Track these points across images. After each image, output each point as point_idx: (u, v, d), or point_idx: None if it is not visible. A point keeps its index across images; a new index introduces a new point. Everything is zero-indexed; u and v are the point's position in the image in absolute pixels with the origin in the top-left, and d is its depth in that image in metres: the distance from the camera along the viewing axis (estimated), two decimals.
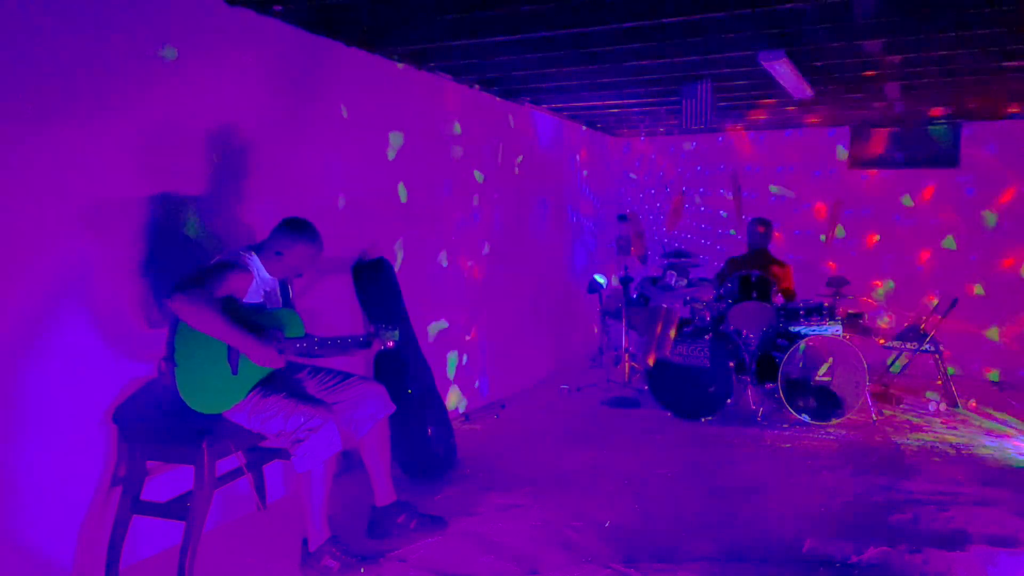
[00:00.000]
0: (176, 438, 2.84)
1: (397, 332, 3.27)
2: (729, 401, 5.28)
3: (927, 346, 5.90)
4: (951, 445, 4.83)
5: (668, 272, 6.03)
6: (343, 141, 4.21)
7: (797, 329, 5.40)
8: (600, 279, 6.75)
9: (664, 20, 3.72)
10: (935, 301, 6.03)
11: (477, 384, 5.74)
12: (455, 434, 4.45)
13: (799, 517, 3.64)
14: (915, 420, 5.44)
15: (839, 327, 5.36)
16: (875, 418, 5.38)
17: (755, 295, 5.55)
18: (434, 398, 4.36)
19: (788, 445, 4.83)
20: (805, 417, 5.21)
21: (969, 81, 5.12)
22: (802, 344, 5.22)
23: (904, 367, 6.22)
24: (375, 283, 4.32)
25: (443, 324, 5.26)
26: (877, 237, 7.31)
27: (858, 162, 7.34)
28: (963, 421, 5.43)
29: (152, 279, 3.07)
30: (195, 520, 2.78)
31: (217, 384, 2.84)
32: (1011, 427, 5.28)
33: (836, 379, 5.35)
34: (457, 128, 5.33)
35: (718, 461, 4.51)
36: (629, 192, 8.49)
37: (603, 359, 7.03)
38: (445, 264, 5.26)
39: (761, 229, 6.21)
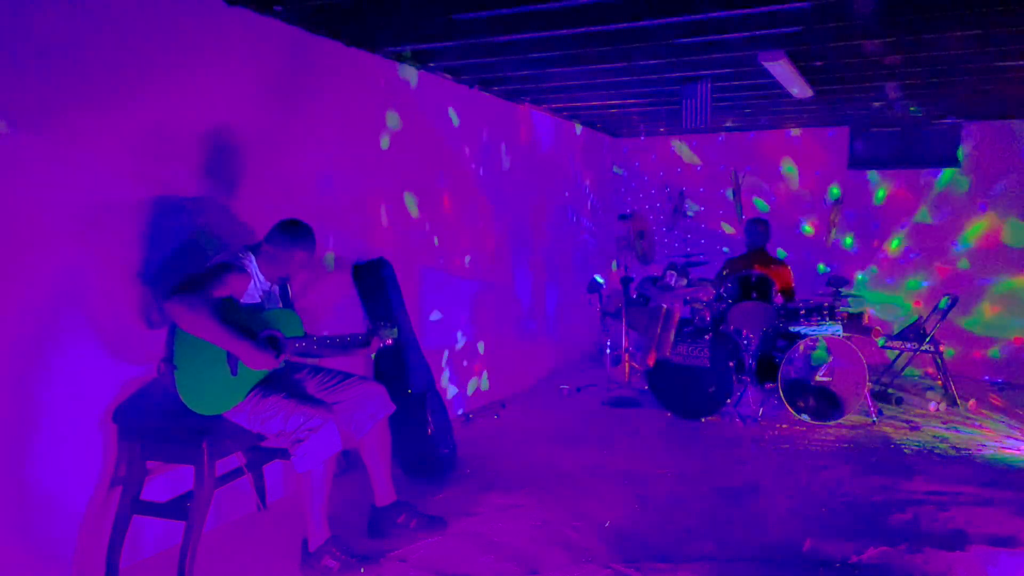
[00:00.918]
0: (176, 438, 2.84)
1: (396, 329, 3.28)
2: (729, 401, 5.28)
3: (927, 346, 5.90)
4: (951, 445, 4.83)
5: (668, 272, 6.03)
6: (343, 141, 4.21)
7: (797, 329, 5.40)
8: (600, 279, 6.75)
9: (664, 20, 3.71)
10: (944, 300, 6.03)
11: (477, 384, 5.74)
12: (455, 434, 4.45)
13: (799, 517, 3.64)
14: (915, 420, 5.44)
15: (839, 327, 5.36)
16: (875, 418, 5.38)
17: (755, 295, 5.55)
18: (434, 398, 4.36)
19: (788, 445, 4.83)
20: (805, 417, 5.21)
21: (969, 81, 5.12)
22: (801, 345, 5.22)
23: (904, 367, 6.22)
24: (375, 283, 4.32)
25: (443, 324, 5.26)
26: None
27: (858, 162, 7.35)
28: (963, 421, 5.43)
29: (151, 280, 3.07)
30: (195, 520, 2.78)
31: (216, 386, 2.84)
32: (1011, 427, 5.28)
33: (836, 379, 5.35)
34: (458, 128, 5.33)
35: (718, 461, 4.50)
36: (629, 192, 8.49)
37: (603, 359, 7.03)
38: (445, 263, 5.26)
39: (760, 229, 6.21)
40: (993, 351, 6.91)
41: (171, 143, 3.15)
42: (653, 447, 4.78)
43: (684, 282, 5.98)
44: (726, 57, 4.47)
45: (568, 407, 5.85)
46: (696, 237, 8.15)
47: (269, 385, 2.97)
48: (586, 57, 4.52)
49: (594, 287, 6.69)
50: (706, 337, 5.37)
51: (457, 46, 4.26)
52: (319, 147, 4.02)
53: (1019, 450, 4.73)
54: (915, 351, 5.98)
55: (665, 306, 5.99)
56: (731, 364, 5.25)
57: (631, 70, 4.88)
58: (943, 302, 6.05)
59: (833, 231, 7.41)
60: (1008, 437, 5.02)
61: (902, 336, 6.19)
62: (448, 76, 5.09)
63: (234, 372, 2.87)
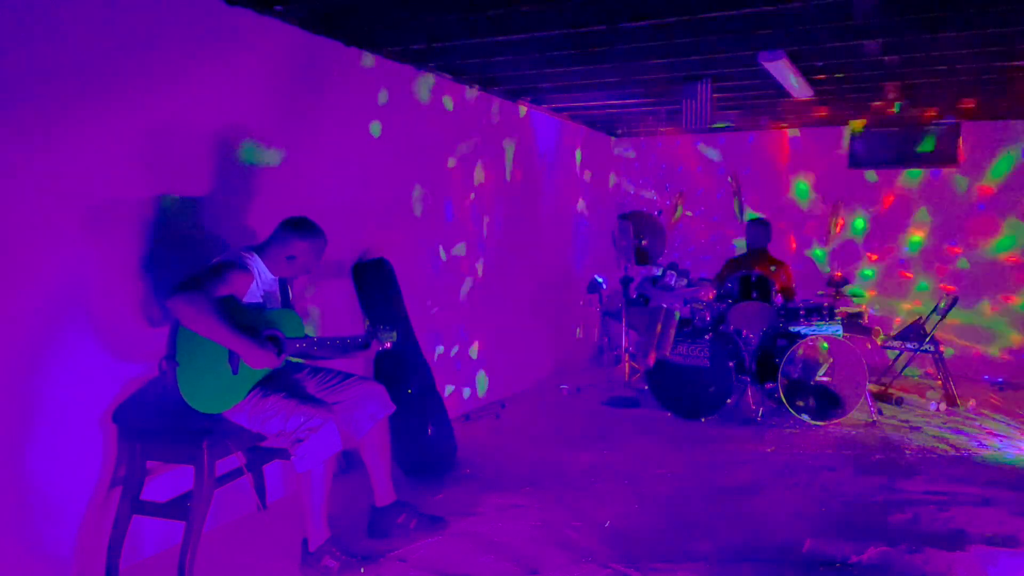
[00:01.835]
0: (176, 438, 2.84)
1: (395, 333, 3.28)
2: (729, 401, 5.28)
3: (927, 346, 5.90)
4: (951, 445, 4.83)
5: (668, 272, 6.04)
6: (343, 141, 4.21)
7: (797, 329, 5.40)
8: (600, 279, 6.75)
9: (664, 20, 3.72)
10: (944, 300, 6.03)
11: (477, 384, 5.74)
12: (455, 434, 4.45)
13: (799, 517, 3.64)
14: (915, 420, 5.44)
15: (839, 327, 5.36)
16: (875, 418, 5.38)
17: (755, 295, 5.55)
18: (434, 398, 4.36)
19: (788, 445, 4.82)
20: (805, 417, 5.21)
21: (969, 81, 5.12)
22: (801, 348, 5.22)
23: (904, 367, 6.22)
24: (375, 283, 4.32)
25: (443, 324, 5.26)
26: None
27: (858, 162, 7.35)
28: (963, 421, 5.43)
29: (153, 278, 3.07)
30: (195, 520, 2.78)
31: (217, 384, 2.84)
32: (1011, 427, 5.28)
33: (836, 379, 5.35)
34: (458, 128, 5.33)
35: (718, 461, 4.50)
36: (629, 192, 8.49)
37: (603, 359, 7.03)
38: (445, 264, 5.26)
39: (760, 229, 6.21)
40: (992, 349, 6.92)
41: (171, 143, 3.15)
42: (653, 447, 4.78)
43: (684, 282, 5.98)
44: (726, 57, 4.47)
45: (568, 407, 5.85)
46: (696, 237, 8.15)
47: (269, 385, 2.97)
48: (586, 57, 4.52)
49: (594, 287, 6.70)
50: (706, 337, 5.37)
51: (457, 46, 4.26)
52: (319, 146, 4.02)
53: (1019, 450, 4.73)
54: (915, 351, 5.98)
55: (665, 306, 5.99)
56: (731, 364, 5.25)
57: (631, 70, 4.88)
58: (943, 302, 6.05)
59: (833, 232, 7.41)
60: (1008, 437, 5.02)
61: (902, 336, 6.19)
62: (448, 76, 5.09)
63: (235, 371, 2.87)
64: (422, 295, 4.98)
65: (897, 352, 6.19)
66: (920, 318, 6.26)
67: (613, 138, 8.34)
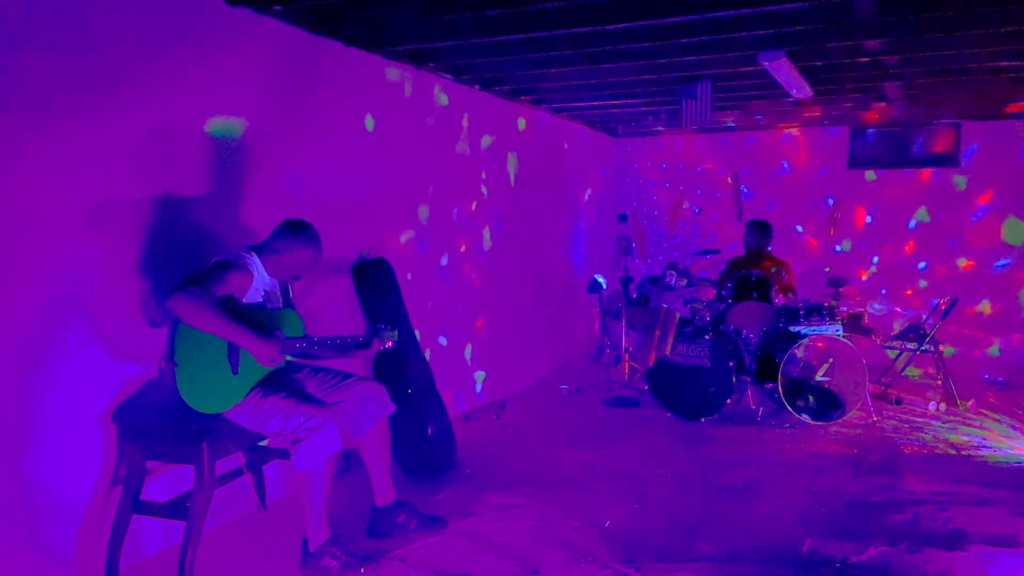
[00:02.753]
0: (176, 438, 2.84)
1: (396, 332, 3.27)
2: (729, 401, 5.28)
3: (927, 346, 5.90)
4: (951, 445, 4.83)
5: (668, 272, 6.03)
6: (343, 141, 4.21)
7: (797, 329, 5.40)
8: (600, 279, 6.75)
9: (664, 20, 3.72)
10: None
11: (477, 384, 5.74)
12: (455, 434, 4.45)
13: (799, 517, 3.64)
14: (915, 420, 5.44)
15: (839, 327, 5.36)
16: (875, 418, 5.38)
17: (755, 295, 5.55)
18: (434, 398, 4.36)
19: (788, 445, 4.83)
20: (805, 417, 5.20)
21: (969, 81, 5.12)
22: (801, 348, 5.21)
23: (904, 367, 6.22)
24: (375, 283, 4.32)
25: (443, 324, 5.26)
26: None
27: (858, 162, 7.35)
28: (963, 421, 5.43)
29: (152, 279, 3.07)
30: (195, 520, 2.78)
31: (217, 384, 2.84)
32: (1011, 427, 5.28)
33: (836, 379, 5.34)
34: (458, 128, 5.33)
35: (718, 461, 4.50)
36: (629, 192, 8.49)
37: (603, 359, 7.03)
38: (445, 264, 5.26)
39: (761, 229, 6.21)
40: (992, 348, 6.92)
41: (172, 142, 3.15)
42: (653, 447, 4.78)
43: (684, 282, 5.98)
44: (726, 57, 4.47)
45: (568, 407, 5.85)
46: (696, 237, 8.15)
47: (269, 385, 2.97)
48: (586, 57, 4.52)
49: (594, 287, 6.69)
50: (706, 337, 5.37)
51: (457, 46, 4.26)
52: (319, 146, 4.02)
53: (1019, 450, 4.73)
54: (915, 351, 5.98)
55: (665, 306, 5.99)
56: (731, 364, 5.25)
57: (631, 70, 4.88)
58: (943, 302, 6.05)
59: (833, 232, 7.41)
60: (1008, 437, 5.02)
61: (902, 336, 6.20)
62: (448, 76, 5.09)
63: (235, 371, 2.87)
64: (422, 295, 4.98)
65: (897, 352, 6.19)
66: (920, 318, 6.26)
67: (613, 138, 8.34)
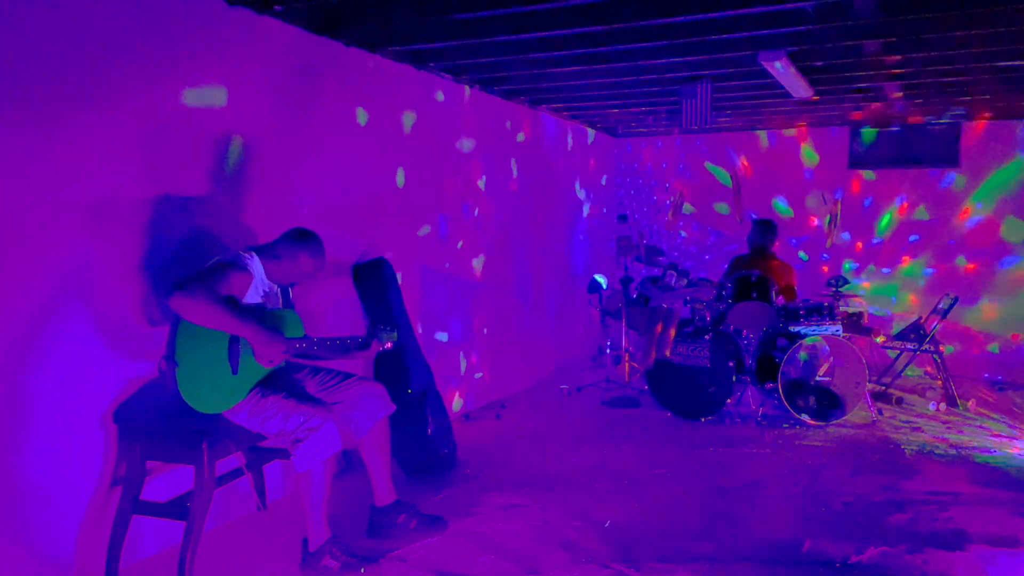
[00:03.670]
0: (176, 438, 2.84)
1: (396, 333, 3.27)
2: (729, 401, 5.28)
3: (927, 346, 5.90)
4: (951, 445, 4.83)
5: (668, 272, 6.03)
6: (343, 141, 4.21)
7: (797, 329, 5.40)
8: (600, 279, 6.75)
9: (664, 20, 3.71)
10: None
11: (477, 384, 5.74)
12: (455, 434, 4.45)
13: (799, 517, 3.64)
14: (915, 420, 5.44)
15: (839, 327, 5.36)
16: (875, 418, 5.38)
17: (755, 295, 5.55)
18: (434, 398, 4.36)
19: (788, 445, 4.82)
20: (805, 417, 5.21)
21: (969, 81, 5.12)
22: (802, 350, 5.21)
23: (904, 367, 6.22)
24: (375, 283, 4.32)
25: (443, 324, 5.26)
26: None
27: (858, 162, 7.35)
28: (963, 421, 5.43)
29: (153, 278, 3.07)
30: (195, 520, 2.78)
31: (217, 384, 2.84)
32: (1011, 427, 5.28)
33: (836, 379, 5.35)
34: (458, 128, 5.33)
35: (718, 461, 4.51)
36: (629, 192, 8.49)
37: (603, 359, 7.03)
38: (446, 264, 5.26)
39: (764, 229, 6.20)
40: (992, 347, 6.92)
41: (172, 142, 3.15)
42: (653, 447, 4.78)
43: (684, 282, 5.98)
44: (726, 57, 4.47)
45: (568, 407, 5.85)
46: (696, 237, 8.15)
47: (269, 385, 2.97)
48: (586, 57, 4.52)
49: (594, 287, 6.69)
50: (706, 337, 5.37)
51: (457, 46, 4.26)
52: (318, 146, 4.02)
53: (1019, 450, 4.73)
54: (915, 351, 5.98)
55: (665, 306, 5.99)
56: (731, 364, 5.25)
57: (631, 70, 4.88)
58: (944, 302, 6.05)
59: (833, 231, 7.40)
60: (1008, 437, 5.02)
61: (902, 336, 6.19)
62: (448, 76, 5.09)
63: (235, 371, 2.87)
64: (422, 295, 4.98)
65: (897, 352, 6.19)
66: (920, 318, 6.26)
67: (613, 138, 8.34)
